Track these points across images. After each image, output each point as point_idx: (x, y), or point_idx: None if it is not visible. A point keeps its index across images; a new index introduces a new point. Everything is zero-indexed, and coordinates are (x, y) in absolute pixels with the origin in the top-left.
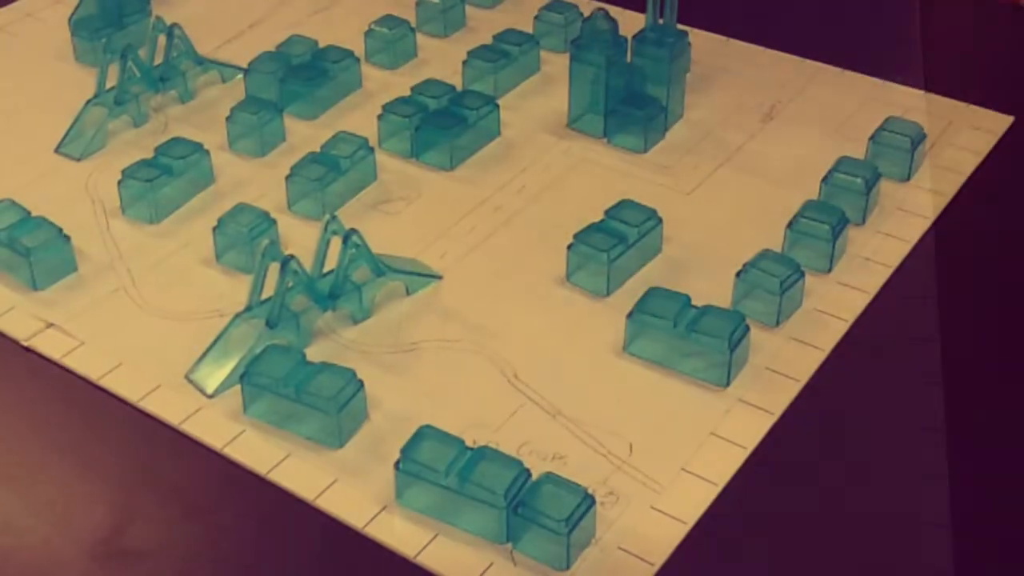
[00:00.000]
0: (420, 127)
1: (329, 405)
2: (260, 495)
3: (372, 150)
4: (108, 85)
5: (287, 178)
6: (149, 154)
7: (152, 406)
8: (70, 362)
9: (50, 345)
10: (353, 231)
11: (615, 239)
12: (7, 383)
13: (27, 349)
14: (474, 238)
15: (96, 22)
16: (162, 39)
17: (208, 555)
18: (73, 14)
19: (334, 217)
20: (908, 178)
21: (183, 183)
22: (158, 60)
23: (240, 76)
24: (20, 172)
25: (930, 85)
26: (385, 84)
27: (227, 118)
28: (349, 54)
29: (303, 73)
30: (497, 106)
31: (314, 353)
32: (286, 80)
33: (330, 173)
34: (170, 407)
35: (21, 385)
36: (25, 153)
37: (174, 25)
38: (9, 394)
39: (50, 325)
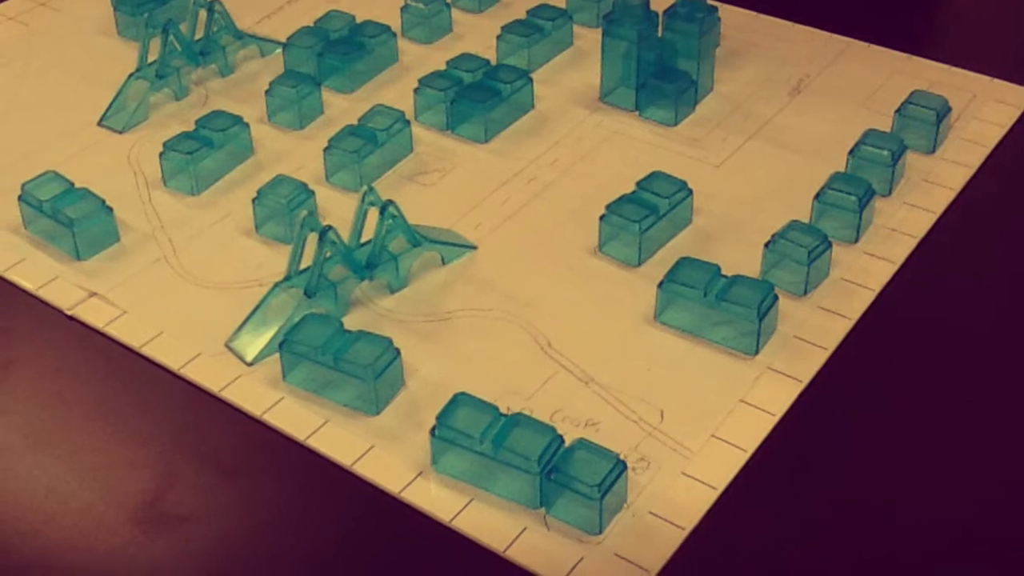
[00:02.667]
0: (455, 100)
1: (366, 372)
2: (298, 461)
3: (408, 123)
4: (150, 59)
5: (325, 150)
6: (190, 127)
7: (193, 374)
8: (113, 331)
9: (93, 314)
10: (390, 202)
11: (646, 210)
12: (51, 351)
13: (71, 318)
14: (508, 209)
15: None
16: (203, 14)
17: (247, 520)
18: None
19: (371, 188)
20: (933, 150)
21: (223, 155)
22: (199, 35)
23: (279, 50)
24: (64, 145)
25: (955, 59)
26: (421, 58)
27: (266, 91)
28: (386, 29)
29: (341, 47)
30: (531, 80)
31: (351, 322)
32: (324, 54)
33: (367, 145)
34: (210, 375)
35: (65, 353)
36: (68, 126)
37: (214, 0)
38: (53, 362)
39: (93, 295)
